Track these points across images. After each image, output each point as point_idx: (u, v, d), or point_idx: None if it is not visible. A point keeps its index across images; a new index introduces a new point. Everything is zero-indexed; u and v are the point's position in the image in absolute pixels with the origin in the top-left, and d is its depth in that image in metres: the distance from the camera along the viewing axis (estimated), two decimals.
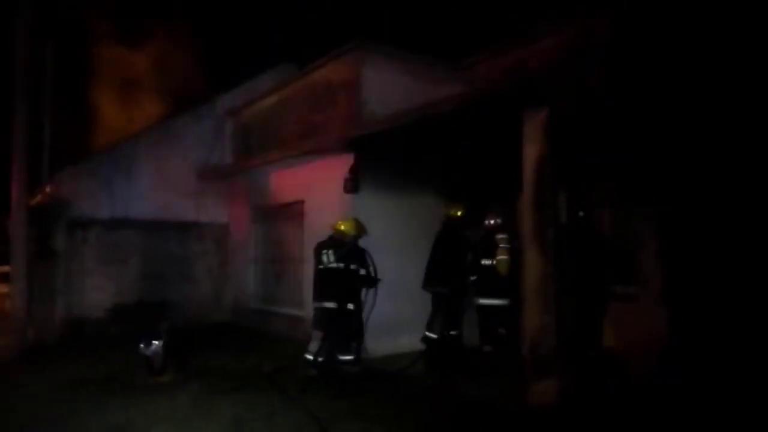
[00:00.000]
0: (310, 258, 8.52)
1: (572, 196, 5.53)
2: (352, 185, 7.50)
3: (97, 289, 9.43)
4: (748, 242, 4.89)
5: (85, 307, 9.32)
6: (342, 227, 6.79)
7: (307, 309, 8.55)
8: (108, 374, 6.68)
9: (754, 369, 4.68)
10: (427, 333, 7.07)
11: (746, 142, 4.92)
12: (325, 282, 6.64)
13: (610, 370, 5.16)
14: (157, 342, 6.51)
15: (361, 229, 6.87)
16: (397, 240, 7.67)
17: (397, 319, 7.46)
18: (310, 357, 6.54)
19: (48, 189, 9.41)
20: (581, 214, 5.60)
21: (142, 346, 6.50)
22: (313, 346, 6.58)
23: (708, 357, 4.94)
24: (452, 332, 7.08)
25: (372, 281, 6.69)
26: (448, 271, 7.01)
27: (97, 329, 9.33)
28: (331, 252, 6.66)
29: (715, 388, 4.76)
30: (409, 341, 7.31)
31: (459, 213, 7.25)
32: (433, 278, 7.11)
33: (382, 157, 7.59)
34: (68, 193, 9.35)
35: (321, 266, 6.71)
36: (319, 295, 6.65)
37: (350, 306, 6.56)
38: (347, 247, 6.67)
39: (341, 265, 6.59)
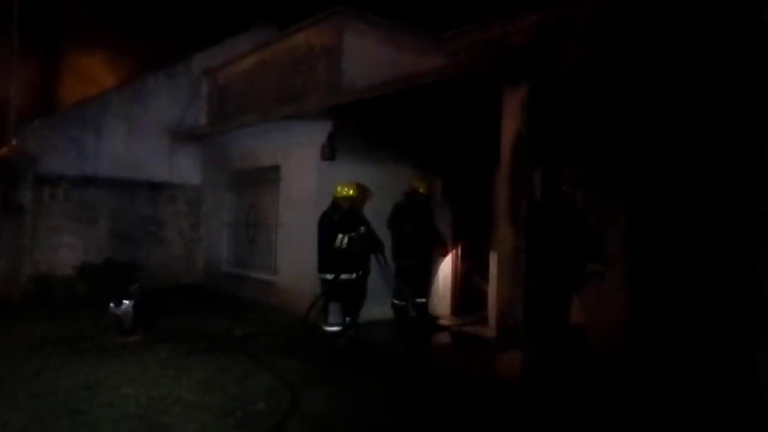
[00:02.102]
0: (285, 223, 8.57)
1: (548, 173, 5.62)
2: (330, 152, 7.48)
3: (65, 247, 9.27)
4: (712, 232, 5.04)
5: (53, 264, 9.16)
6: (352, 192, 6.52)
7: (280, 274, 8.61)
8: (76, 333, 6.64)
9: (710, 353, 4.89)
10: (395, 301, 7.21)
11: (721, 127, 5.05)
12: (342, 255, 6.38)
13: (575, 346, 5.34)
14: (127, 302, 6.49)
15: (366, 193, 6.76)
16: (372, 209, 7.69)
17: (369, 288, 7.54)
18: (336, 329, 6.38)
19: (14, 142, 9.13)
20: (567, 190, 5.69)
21: (112, 305, 6.47)
22: (335, 318, 6.41)
23: (667, 339, 5.14)
24: (419, 300, 7.26)
25: (379, 245, 6.65)
26: (417, 243, 7.11)
27: (65, 287, 9.20)
28: (349, 229, 6.41)
29: (674, 370, 4.98)
30: (380, 310, 7.41)
31: (422, 189, 7.26)
32: (400, 251, 7.21)
33: (361, 126, 7.56)
34: (35, 147, 9.07)
35: (335, 241, 6.36)
36: (336, 267, 6.38)
37: (361, 273, 6.54)
38: (359, 216, 6.59)
39: (353, 235, 6.41)
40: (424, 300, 7.32)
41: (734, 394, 4.55)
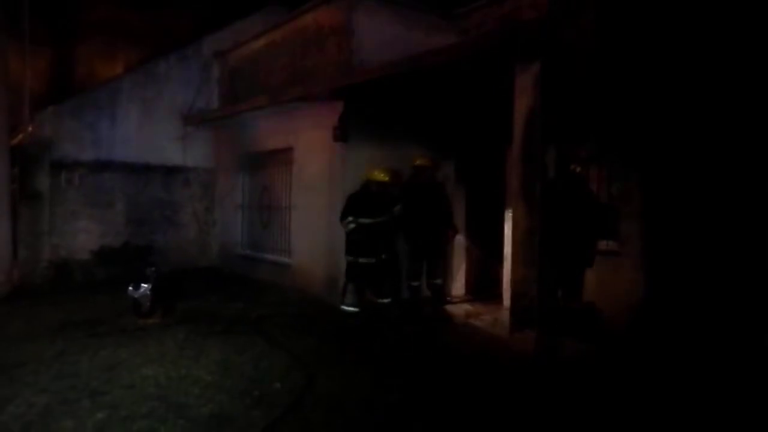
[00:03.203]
0: (298, 205, 8.59)
1: (561, 150, 5.55)
2: (341, 134, 7.44)
3: (82, 232, 9.41)
4: (728, 211, 4.96)
5: (72, 249, 9.31)
6: (383, 177, 6.74)
7: (294, 256, 8.67)
8: (96, 316, 6.76)
9: (722, 332, 4.85)
10: (409, 281, 7.24)
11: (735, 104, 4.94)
12: (363, 237, 6.59)
13: (589, 324, 5.33)
14: (145, 285, 6.58)
15: (395, 177, 6.93)
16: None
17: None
18: (352, 309, 6.67)
19: (30, 129, 9.22)
20: (577, 169, 5.63)
21: (130, 288, 6.57)
22: (350, 299, 6.71)
23: (681, 317, 5.10)
24: (435, 281, 7.27)
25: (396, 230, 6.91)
26: (423, 223, 7.11)
27: (83, 271, 9.37)
28: (374, 211, 6.64)
29: (687, 348, 4.95)
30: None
31: (418, 162, 7.23)
32: (408, 231, 7.22)
33: (373, 107, 7.51)
34: (51, 133, 9.16)
35: (360, 221, 6.59)
36: (357, 251, 6.61)
37: (383, 257, 6.71)
38: (387, 199, 6.76)
39: (379, 219, 6.59)
40: (439, 281, 7.32)
41: (746, 376, 4.52)
